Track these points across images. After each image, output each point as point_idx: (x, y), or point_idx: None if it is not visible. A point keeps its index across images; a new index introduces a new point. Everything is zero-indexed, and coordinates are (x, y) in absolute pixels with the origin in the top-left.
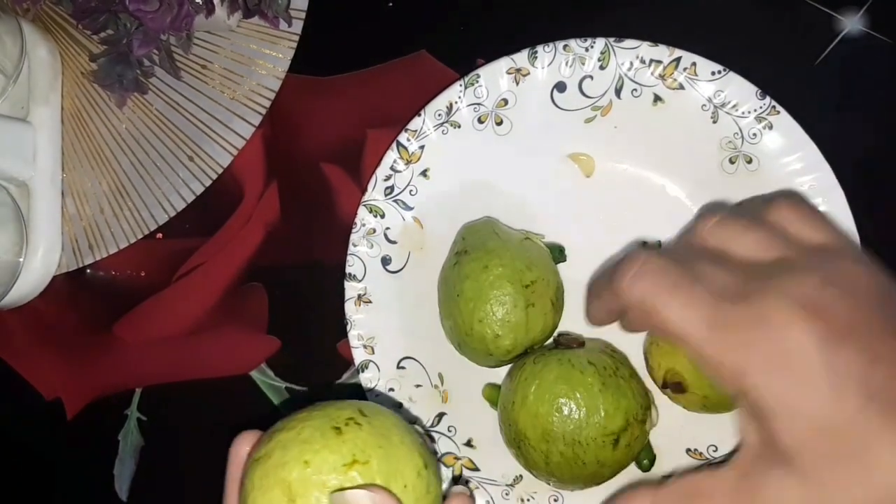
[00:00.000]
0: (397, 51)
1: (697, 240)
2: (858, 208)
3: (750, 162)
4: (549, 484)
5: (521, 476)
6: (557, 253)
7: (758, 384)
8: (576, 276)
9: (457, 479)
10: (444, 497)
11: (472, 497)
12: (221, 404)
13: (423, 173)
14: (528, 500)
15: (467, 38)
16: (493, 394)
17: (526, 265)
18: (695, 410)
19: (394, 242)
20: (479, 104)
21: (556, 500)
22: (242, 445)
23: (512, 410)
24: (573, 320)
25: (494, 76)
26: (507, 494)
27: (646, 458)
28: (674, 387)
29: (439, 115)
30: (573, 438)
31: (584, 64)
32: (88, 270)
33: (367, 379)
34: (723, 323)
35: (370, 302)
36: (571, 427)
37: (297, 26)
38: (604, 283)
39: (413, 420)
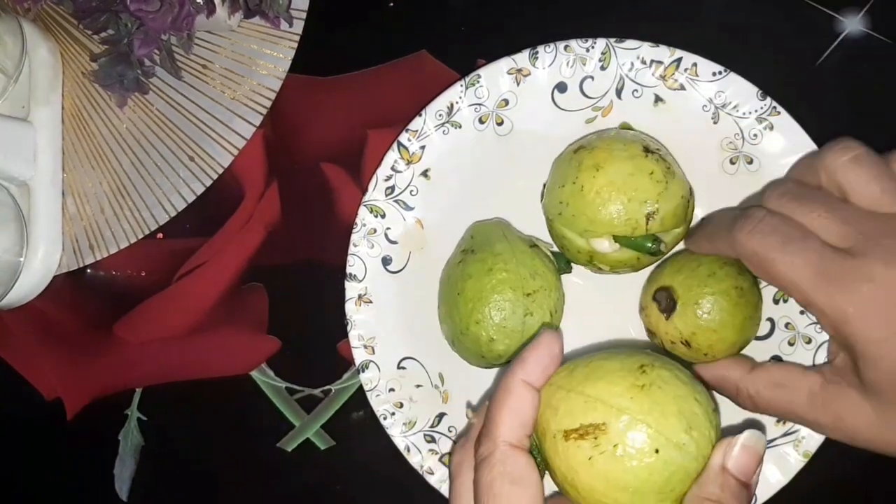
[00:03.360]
0: (398, 51)
1: (823, 172)
2: None
3: (751, 162)
4: None
5: None
6: (563, 264)
7: (855, 332)
8: (578, 282)
9: None
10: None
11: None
12: (221, 404)
13: (424, 174)
14: None
15: (468, 38)
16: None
17: (530, 273)
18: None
19: (394, 243)
20: (479, 104)
21: None
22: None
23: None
24: (571, 331)
25: (495, 76)
26: None
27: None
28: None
29: (440, 115)
30: None
31: (584, 64)
32: (89, 270)
33: (367, 379)
34: (831, 277)
35: (371, 302)
36: None
37: (298, 26)
38: (720, 232)
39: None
